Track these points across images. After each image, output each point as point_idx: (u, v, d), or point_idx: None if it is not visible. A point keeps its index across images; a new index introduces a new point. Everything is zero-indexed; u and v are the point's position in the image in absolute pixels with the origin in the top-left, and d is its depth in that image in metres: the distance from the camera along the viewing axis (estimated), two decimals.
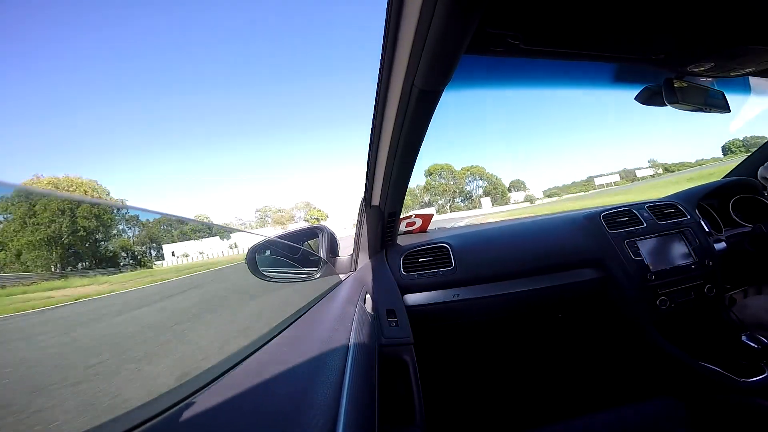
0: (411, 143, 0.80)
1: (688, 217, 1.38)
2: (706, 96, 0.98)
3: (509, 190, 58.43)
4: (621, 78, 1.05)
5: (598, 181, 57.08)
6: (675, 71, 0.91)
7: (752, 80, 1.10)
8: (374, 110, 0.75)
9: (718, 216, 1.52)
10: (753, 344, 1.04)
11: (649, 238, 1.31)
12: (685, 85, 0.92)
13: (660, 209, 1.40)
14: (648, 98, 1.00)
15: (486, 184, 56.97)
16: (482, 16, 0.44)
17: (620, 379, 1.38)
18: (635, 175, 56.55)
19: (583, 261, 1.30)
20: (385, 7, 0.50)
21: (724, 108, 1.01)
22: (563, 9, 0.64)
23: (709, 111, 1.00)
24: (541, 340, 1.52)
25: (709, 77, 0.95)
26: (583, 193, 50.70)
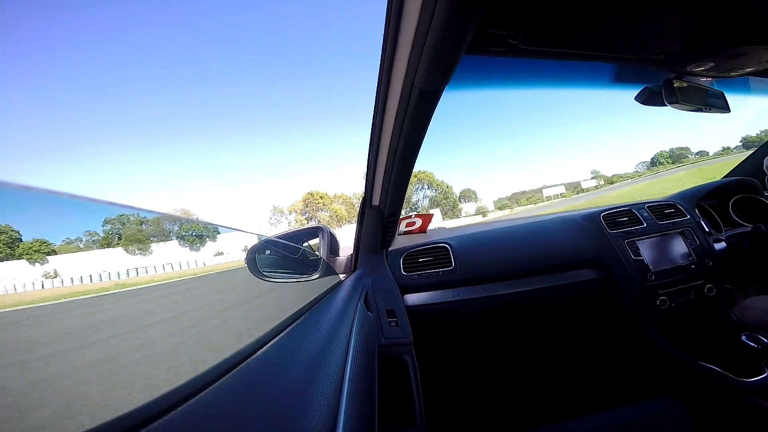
0: (411, 143, 0.80)
1: (688, 217, 1.38)
2: (706, 96, 0.98)
3: (459, 200, 51.26)
4: (621, 78, 1.05)
5: (546, 192, 55.77)
6: (675, 71, 0.91)
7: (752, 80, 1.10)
8: (374, 110, 0.75)
9: (718, 216, 1.52)
10: (753, 344, 1.03)
11: (649, 238, 1.31)
12: (685, 85, 0.92)
13: (660, 209, 1.40)
14: (648, 98, 1.00)
15: (435, 193, 49.78)
16: (482, 16, 0.44)
17: (620, 379, 1.38)
18: (581, 187, 56.13)
19: (583, 261, 1.30)
20: (385, 7, 0.50)
21: (724, 108, 1.01)
22: (563, 9, 0.64)
23: (709, 111, 1.00)
24: (541, 341, 1.52)
25: (709, 77, 0.95)
26: (533, 206, 48.93)
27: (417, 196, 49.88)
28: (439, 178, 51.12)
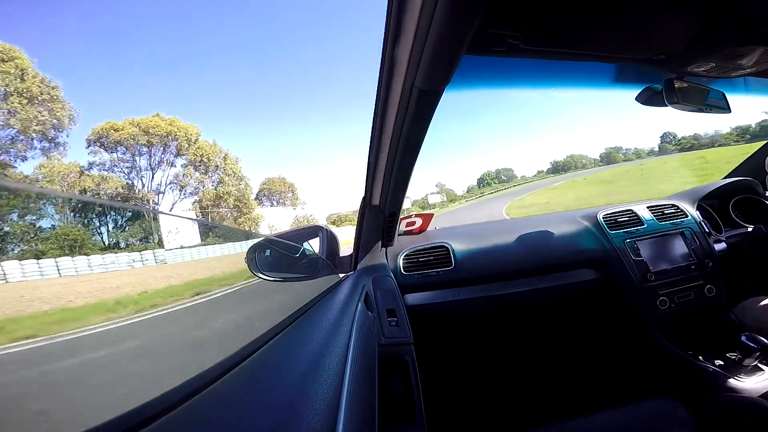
0: (411, 143, 0.80)
1: (689, 217, 1.38)
2: (707, 96, 0.98)
3: (260, 200, 28.90)
4: (621, 78, 1.05)
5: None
6: (675, 71, 0.91)
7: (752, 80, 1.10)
8: (374, 110, 0.75)
9: (718, 216, 1.52)
10: (752, 345, 1.04)
11: (649, 238, 1.31)
12: (685, 85, 0.92)
13: (660, 209, 1.40)
14: (649, 98, 1.00)
15: (215, 176, 24.35)
16: (483, 16, 0.44)
17: (620, 378, 1.39)
18: (428, 201, 55.01)
19: (583, 261, 1.31)
20: (386, 7, 0.50)
21: (725, 108, 1.01)
22: (563, 9, 0.64)
23: (710, 111, 1.00)
24: (541, 340, 1.52)
25: (710, 77, 0.95)
26: None
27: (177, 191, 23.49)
28: (225, 147, 25.11)
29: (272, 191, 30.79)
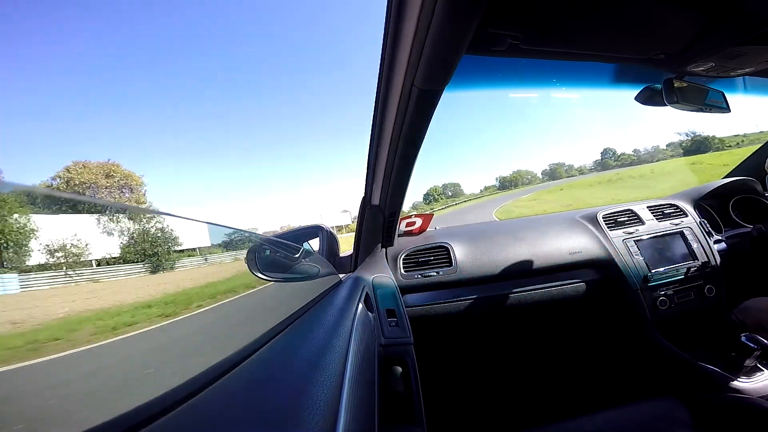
0: (411, 143, 0.80)
1: (688, 217, 1.38)
2: (706, 96, 0.98)
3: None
4: (621, 78, 1.05)
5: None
6: (675, 71, 0.91)
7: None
8: (374, 110, 0.75)
9: (718, 216, 1.52)
10: (752, 345, 1.04)
11: (649, 238, 1.31)
12: (685, 85, 0.92)
13: (660, 209, 1.40)
14: (648, 98, 1.00)
15: None
16: (483, 15, 0.44)
17: (620, 378, 1.38)
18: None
19: (583, 261, 1.31)
20: (385, 7, 0.50)
21: (725, 108, 1.01)
22: (564, 9, 0.64)
23: (709, 111, 1.00)
24: (540, 341, 1.52)
25: (710, 77, 0.95)
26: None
27: None
28: None
29: (82, 185, 16.75)
